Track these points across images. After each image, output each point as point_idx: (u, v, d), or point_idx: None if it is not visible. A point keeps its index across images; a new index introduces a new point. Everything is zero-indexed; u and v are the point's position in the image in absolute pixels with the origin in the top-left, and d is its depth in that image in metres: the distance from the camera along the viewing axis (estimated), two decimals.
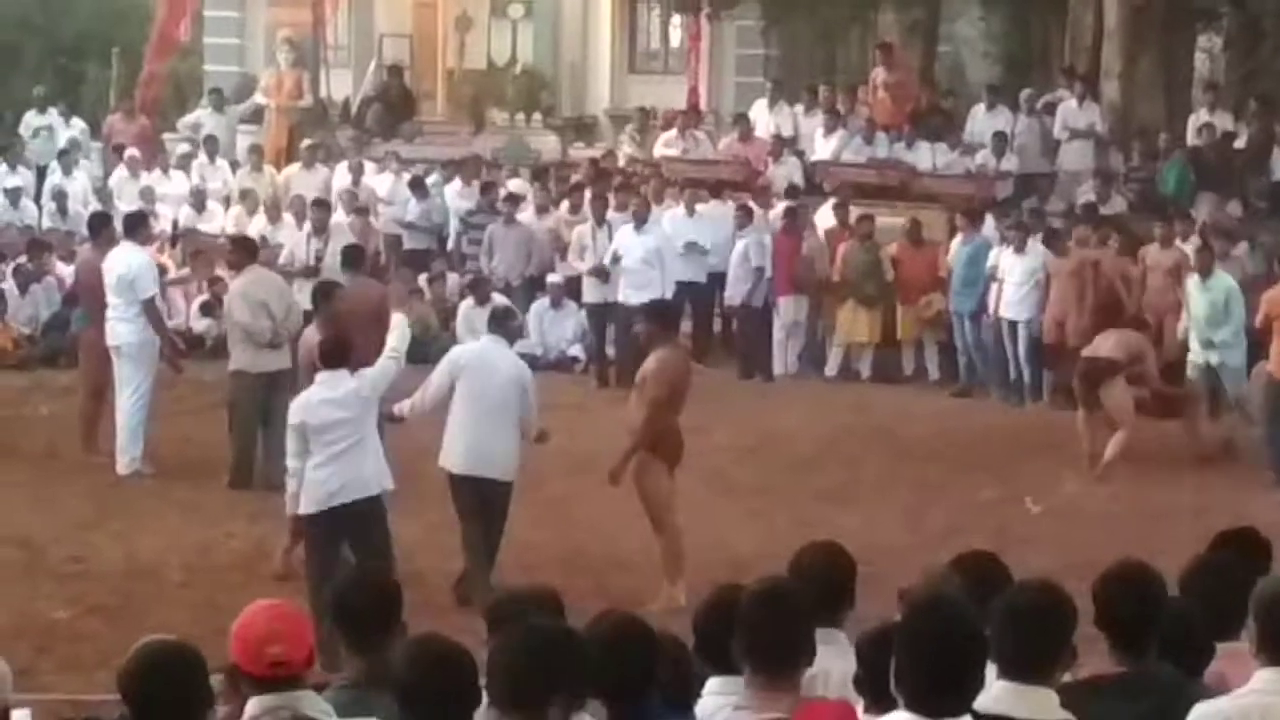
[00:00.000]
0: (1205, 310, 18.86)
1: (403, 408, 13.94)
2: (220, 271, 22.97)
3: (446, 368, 13.87)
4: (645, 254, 22.00)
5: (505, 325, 14.80)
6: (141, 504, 16.65)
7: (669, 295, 20.96)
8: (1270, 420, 17.75)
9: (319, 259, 21.80)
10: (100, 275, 18.09)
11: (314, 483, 12.74)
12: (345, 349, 13.45)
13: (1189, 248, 21.32)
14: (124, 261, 18.01)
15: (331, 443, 12.75)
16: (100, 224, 19.61)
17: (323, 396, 12.91)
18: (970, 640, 5.22)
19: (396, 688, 5.38)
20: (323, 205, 23.86)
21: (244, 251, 18.69)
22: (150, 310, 17.87)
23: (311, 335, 15.26)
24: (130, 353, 17.76)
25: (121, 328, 17.79)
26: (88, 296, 19.06)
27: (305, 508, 12.77)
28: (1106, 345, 18.37)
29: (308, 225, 23.43)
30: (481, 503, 13.67)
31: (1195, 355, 19.06)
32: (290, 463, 12.92)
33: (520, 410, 13.77)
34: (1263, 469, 17.28)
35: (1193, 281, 19.37)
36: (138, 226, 19.25)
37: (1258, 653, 5.89)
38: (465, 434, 13.60)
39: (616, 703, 6.00)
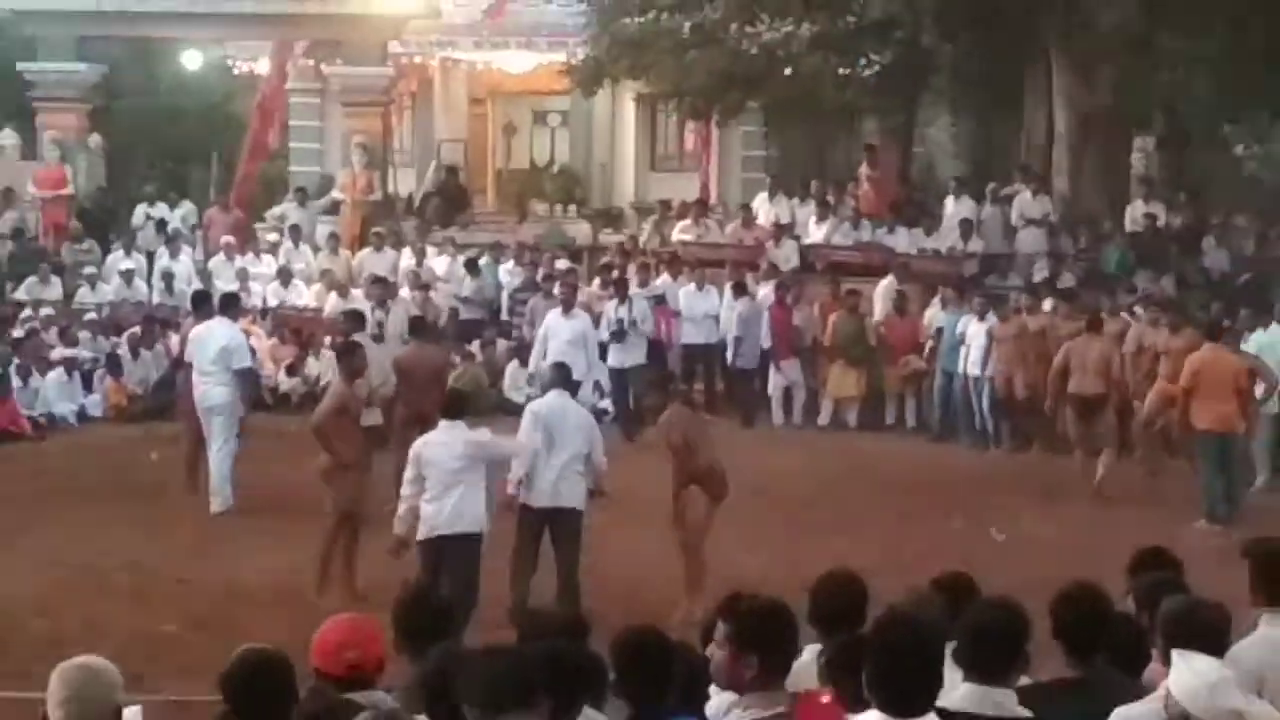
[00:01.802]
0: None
1: (512, 485, 13.72)
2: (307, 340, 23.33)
3: (531, 422, 13.83)
4: (572, 336, 21.33)
5: (568, 380, 14.84)
6: (238, 534, 16.67)
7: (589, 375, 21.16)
8: (1202, 465, 17.71)
9: (380, 327, 21.79)
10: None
11: (423, 515, 12.90)
12: (463, 404, 13.77)
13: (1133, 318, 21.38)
14: (223, 335, 18.09)
15: (441, 481, 12.92)
16: (201, 301, 19.69)
17: (439, 440, 13.13)
18: (928, 651, 5.22)
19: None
20: (383, 282, 23.85)
21: (357, 322, 18.95)
22: (247, 377, 18.00)
23: (338, 385, 15.29)
24: (221, 412, 17.85)
25: (215, 391, 17.88)
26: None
27: (418, 534, 12.92)
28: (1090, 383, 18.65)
29: (373, 301, 23.48)
30: (554, 532, 13.66)
31: None
32: (405, 489, 13.07)
33: (588, 448, 13.82)
34: (1196, 506, 17.18)
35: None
36: (232, 305, 19.37)
37: (1163, 661, 5.89)
38: (549, 473, 13.60)
39: (637, 702, 5.99)
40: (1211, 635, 5.98)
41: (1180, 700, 5.34)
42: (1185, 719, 5.32)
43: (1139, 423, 19.45)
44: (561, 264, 26.63)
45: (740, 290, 24.08)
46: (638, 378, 22.41)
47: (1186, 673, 5.40)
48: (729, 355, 24.00)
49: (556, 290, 23.27)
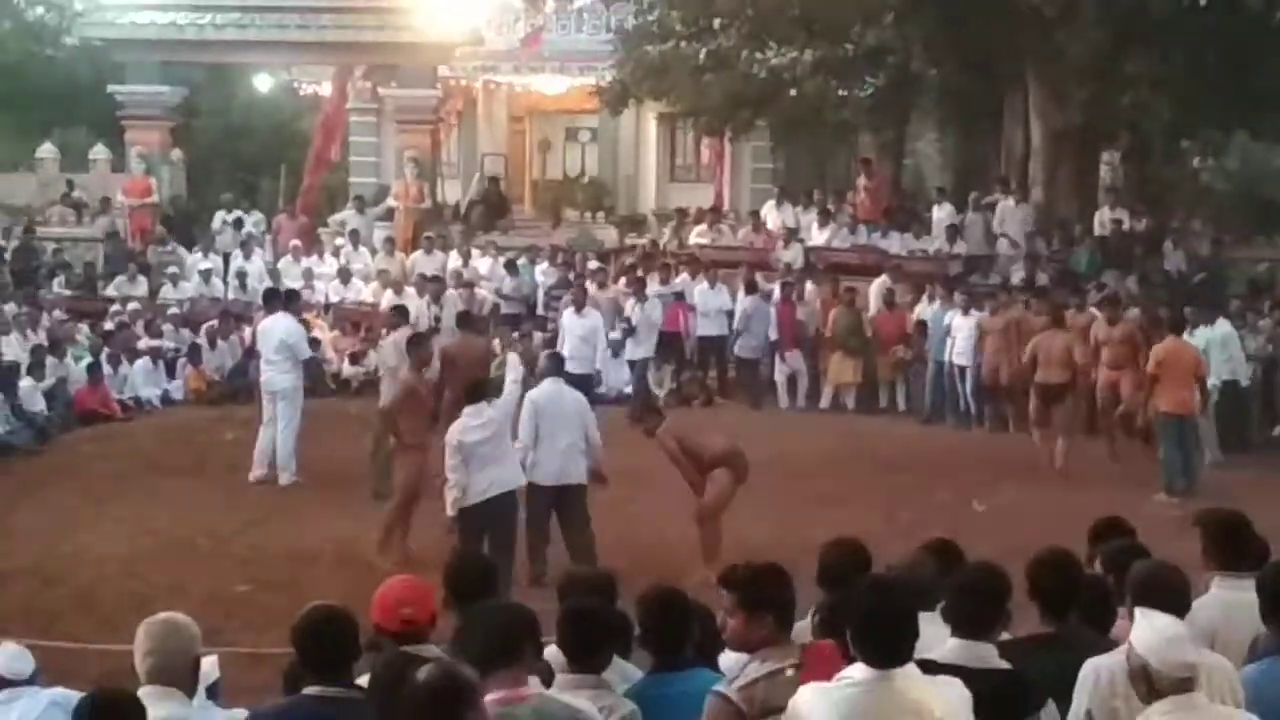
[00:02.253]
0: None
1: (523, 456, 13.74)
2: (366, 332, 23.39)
3: (530, 410, 13.80)
4: (584, 333, 21.49)
5: (561, 368, 14.90)
6: (303, 506, 16.69)
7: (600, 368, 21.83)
8: (1163, 443, 17.68)
9: (437, 320, 21.91)
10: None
11: (470, 485, 12.92)
12: (482, 389, 13.76)
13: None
14: (285, 329, 18.16)
15: (481, 456, 12.98)
16: (271, 297, 19.70)
17: (471, 424, 13.09)
18: (904, 611, 5.23)
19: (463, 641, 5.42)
20: (438, 281, 24.09)
21: (401, 316, 18.91)
22: (310, 366, 18.06)
23: (407, 373, 15.36)
24: (286, 396, 17.87)
25: (280, 378, 17.95)
26: None
27: (465, 504, 12.92)
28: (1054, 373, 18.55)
29: (427, 296, 23.58)
30: (560, 506, 13.67)
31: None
32: (450, 475, 13.00)
33: (584, 430, 13.83)
34: (1153, 481, 17.14)
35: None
36: (293, 301, 19.45)
37: (1130, 619, 5.88)
38: (554, 454, 13.61)
39: (659, 654, 6.00)
40: (1174, 596, 6.00)
41: (1140, 653, 5.34)
42: (1145, 669, 5.31)
43: (1101, 408, 19.43)
44: (591, 264, 26.63)
45: (751, 288, 24.07)
46: (644, 371, 22.96)
47: (1147, 629, 5.39)
48: (737, 345, 23.97)
49: (570, 292, 23.40)
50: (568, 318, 21.92)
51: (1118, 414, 18.88)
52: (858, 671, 5.15)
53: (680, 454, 13.69)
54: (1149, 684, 5.32)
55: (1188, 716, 5.26)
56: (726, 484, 13.63)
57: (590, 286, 24.02)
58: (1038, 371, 18.86)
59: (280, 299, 19.48)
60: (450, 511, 13.14)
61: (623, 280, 24.85)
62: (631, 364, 23.06)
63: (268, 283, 26.30)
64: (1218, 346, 19.63)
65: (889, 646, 5.14)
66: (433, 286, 23.75)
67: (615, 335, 23.10)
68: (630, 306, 23.35)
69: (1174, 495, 16.59)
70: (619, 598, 6.74)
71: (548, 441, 13.65)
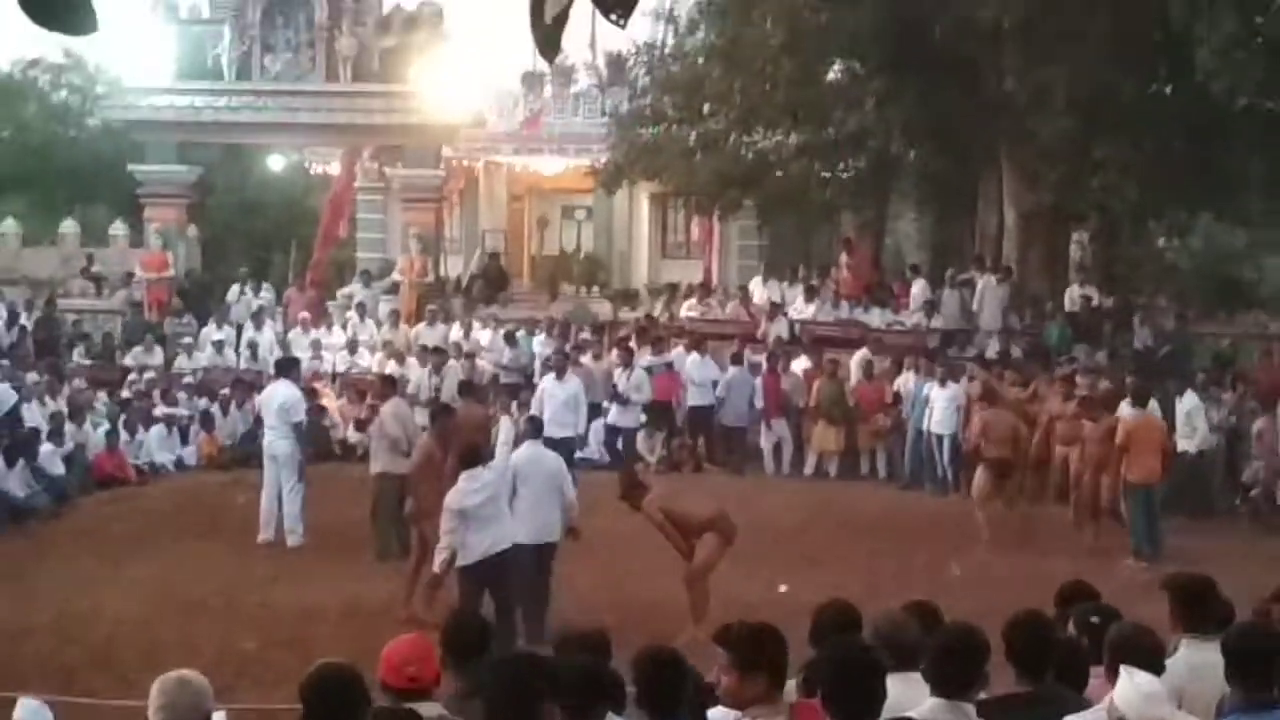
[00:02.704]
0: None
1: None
2: (371, 400, 23.22)
3: (510, 472, 13.90)
4: (565, 398, 21.13)
5: (539, 432, 15.22)
6: (310, 566, 16.63)
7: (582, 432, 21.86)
8: (1131, 511, 17.63)
9: (437, 390, 21.85)
10: None
11: (472, 544, 12.88)
12: (477, 454, 13.74)
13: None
14: (283, 395, 18.21)
15: (481, 516, 12.99)
16: (288, 366, 19.69)
17: (469, 488, 13.07)
18: (870, 672, 5.23)
19: (484, 696, 5.34)
20: (439, 352, 24.06)
21: (389, 385, 18.83)
22: (298, 431, 17.98)
23: (428, 441, 15.35)
24: (284, 460, 17.86)
25: (278, 443, 17.95)
26: None
27: (463, 561, 12.90)
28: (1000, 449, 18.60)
29: (429, 367, 23.60)
30: (535, 563, 13.67)
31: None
32: (445, 538, 13.00)
33: (560, 489, 13.90)
34: (1124, 546, 17.14)
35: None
36: (291, 369, 19.41)
37: (1109, 676, 5.88)
38: (531, 514, 13.63)
39: (655, 712, 5.96)
40: (1150, 656, 5.99)
41: (1121, 708, 5.33)
42: None
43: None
44: (585, 335, 26.64)
45: (737, 360, 24.16)
46: (631, 439, 22.94)
47: (1129, 685, 5.38)
48: (722, 414, 23.99)
49: (551, 359, 23.35)
50: (549, 383, 21.62)
51: (1073, 500, 18.81)
52: None
53: (666, 524, 13.63)
54: None
55: None
56: (714, 547, 13.56)
57: (585, 357, 24.05)
58: (986, 448, 18.86)
59: (296, 367, 19.59)
60: (436, 569, 13.20)
61: (615, 352, 24.89)
62: (617, 430, 23.06)
63: (278, 353, 26.38)
64: (1183, 418, 19.73)
65: (856, 706, 5.14)
66: (434, 358, 23.78)
67: (607, 404, 23.18)
68: (618, 376, 23.38)
69: (1141, 560, 16.59)
70: (612, 656, 6.72)
71: (528, 501, 13.69)
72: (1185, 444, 19.90)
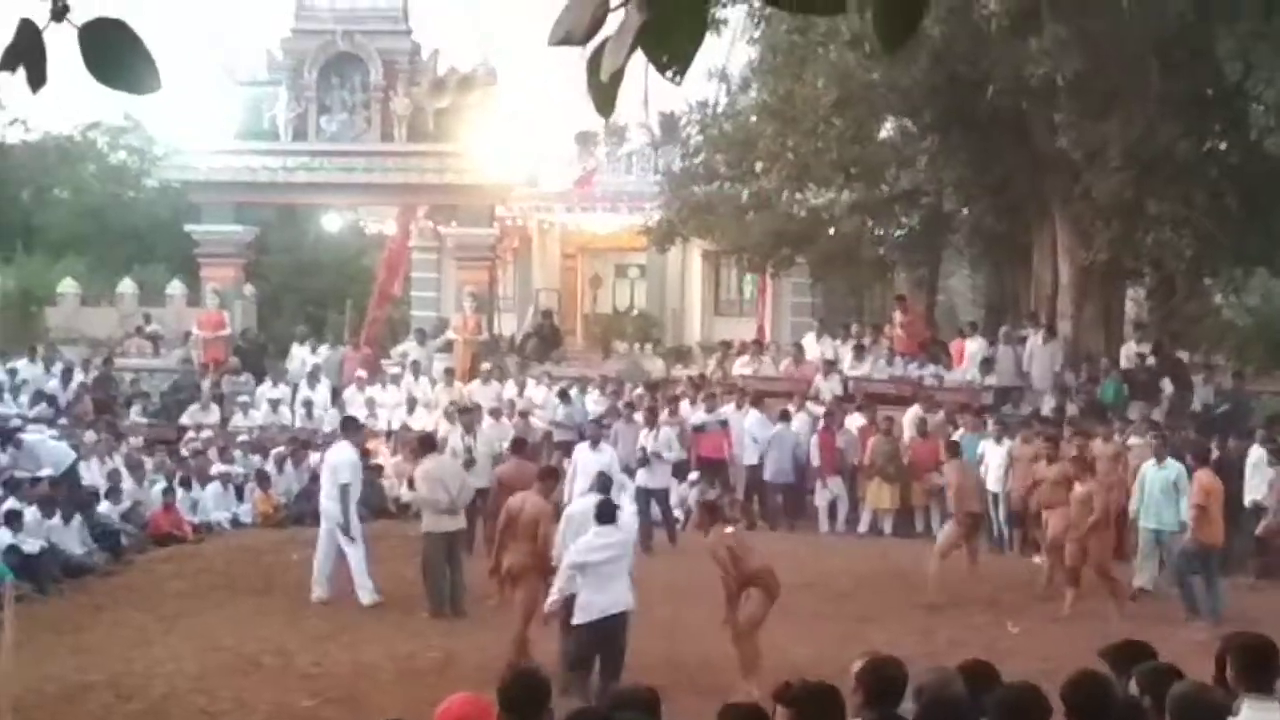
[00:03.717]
0: (1159, 488, 18.34)
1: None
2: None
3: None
4: (599, 467, 19.13)
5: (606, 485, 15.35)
6: (364, 624, 16.64)
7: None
8: (1184, 572, 17.38)
9: (469, 450, 21.34)
10: None
11: (588, 603, 12.86)
12: (613, 510, 13.72)
13: (1128, 441, 21.27)
14: (335, 456, 18.26)
15: (604, 575, 12.99)
16: (350, 426, 19.65)
17: (601, 543, 13.08)
18: None
19: None
20: (468, 411, 23.54)
21: (423, 445, 18.73)
22: (344, 493, 17.88)
23: (541, 501, 15.01)
24: (331, 520, 17.76)
25: (327, 504, 17.94)
26: None
27: (581, 619, 12.87)
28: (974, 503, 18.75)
29: (459, 426, 23.15)
30: (614, 636, 13.46)
31: (1146, 522, 18.50)
32: (560, 583, 13.11)
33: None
34: (1178, 609, 16.91)
35: (1150, 466, 18.74)
36: (352, 429, 19.33)
37: None
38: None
39: None
40: (1216, 715, 5.93)
41: None
42: None
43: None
44: (639, 393, 26.59)
45: (785, 417, 24.14)
46: (665, 499, 22.43)
47: None
48: (764, 471, 23.98)
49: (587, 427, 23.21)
50: (582, 453, 20.85)
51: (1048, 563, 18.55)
52: None
53: (728, 561, 13.57)
54: None
55: None
56: (760, 602, 13.52)
57: (637, 415, 23.94)
58: (965, 503, 18.76)
59: (357, 426, 19.62)
60: (548, 608, 13.34)
61: (667, 411, 24.85)
62: (648, 493, 22.21)
63: (333, 411, 26.54)
64: (1250, 469, 19.57)
65: None
66: (464, 418, 23.24)
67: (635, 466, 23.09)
68: (644, 437, 23.11)
69: (1199, 620, 16.30)
70: (660, 715, 6.71)
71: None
72: (1254, 495, 19.74)
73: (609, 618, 12.94)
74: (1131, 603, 17.43)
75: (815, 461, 23.70)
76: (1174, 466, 18.47)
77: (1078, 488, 18.06)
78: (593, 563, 12.95)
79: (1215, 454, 21.05)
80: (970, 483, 18.93)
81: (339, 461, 18.11)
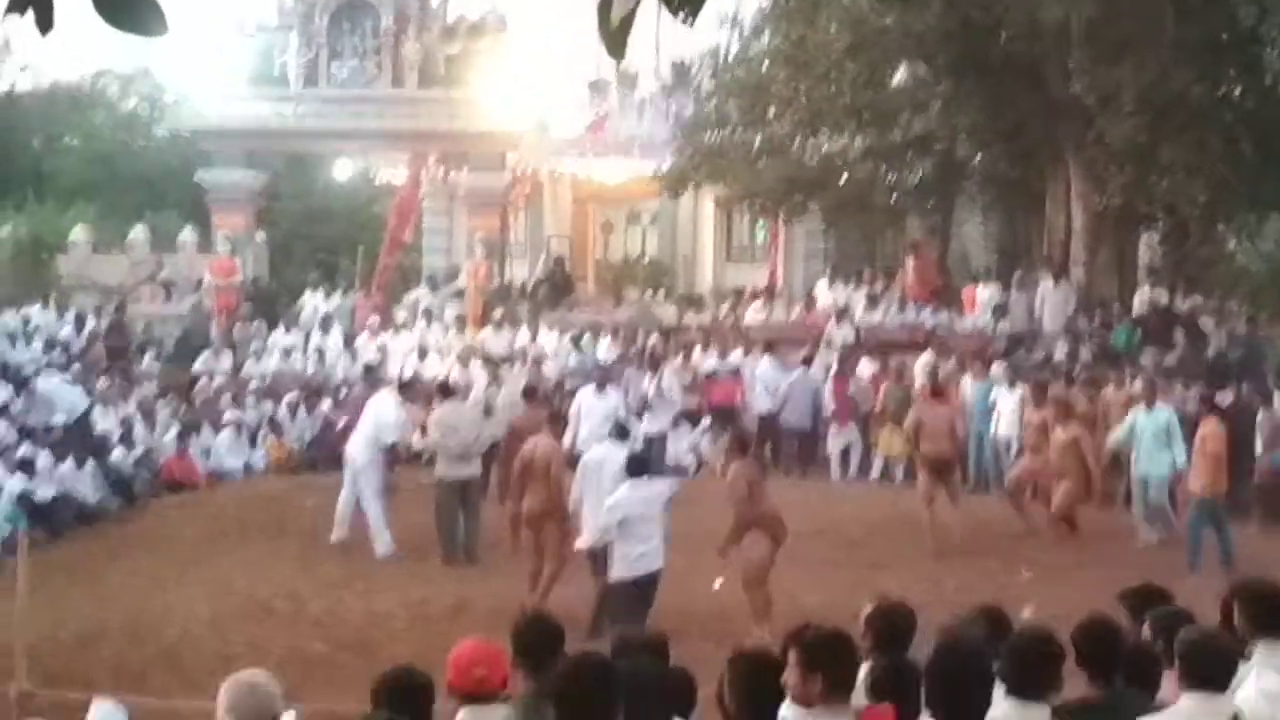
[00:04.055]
0: (1150, 433, 18.20)
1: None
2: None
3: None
4: (606, 412, 19.59)
5: (624, 435, 15.24)
6: (377, 571, 16.72)
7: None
8: (1192, 524, 17.26)
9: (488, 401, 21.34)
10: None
11: (627, 557, 12.87)
12: (646, 464, 13.92)
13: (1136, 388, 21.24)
14: (384, 412, 18.09)
15: (641, 530, 13.00)
16: (407, 386, 19.48)
17: (639, 496, 13.03)
18: (981, 674, 5.18)
19: (554, 694, 5.28)
20: (494, 361, 23.68)
21: (442, 392, 18.50)
22: (386, 453, 17.84)
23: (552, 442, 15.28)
24: (361, 470, 17.84)
25: (359, 454, 17.94)
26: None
27: (619, 574, 12.88)
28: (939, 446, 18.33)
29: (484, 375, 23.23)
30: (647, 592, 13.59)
31: (1138, 469, 18.39)
32: (599, 535, 13.10)
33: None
34: (1182, 558, 16.72)
35: (1140, 411, 18.61)
36: (408, 389, 19.22)
37: (1180, 682, 5.83)
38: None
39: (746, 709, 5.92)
40: (1224, 660, 5.94)
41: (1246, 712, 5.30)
42: None
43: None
44: (654, 341, 26.57)
45: (806, 362, 24.13)
46: (663, 443, 22.48)
47: (1254, 687, 5.36)
48: (786, 416, 23.92)
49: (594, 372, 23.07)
50: (587, 396, 20.76)
51: (1057, 515, 18.49)
52: None
53: (744, 494, 13.58)
54: None
55: None
56: (763, 545, 13.53)
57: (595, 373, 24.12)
58: (922, 444, 18.59)
59: (374, 374, 19.48)
60: (581, 545, 13.61)
61: (680, 357, 24.82)
62: (649, 438, 22.29)
63: (346, 358, 26.55)
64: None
65: (964, 710, 5.09)
66: (490, 367, 23.06)
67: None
68: (647, 383, 23.11)
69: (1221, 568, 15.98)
70: (669, 659, 6.72)
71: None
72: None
73: (648, 574, 13.00)
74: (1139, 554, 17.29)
75: (830, 408, 23.65)
76: (1164, 412, 18.29)
77: (1058, 432, 18.06)
78: (631, 516, 12.92)
79: (1230, 400, 21.13)
80: (937, 424, 18.67)
81: (385, 420, 17.97)
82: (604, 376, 21.69)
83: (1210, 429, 17.47)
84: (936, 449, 18.48)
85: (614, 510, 12.99)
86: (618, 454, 14.22)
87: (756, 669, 5.94)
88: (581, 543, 13.55)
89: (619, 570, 12.92)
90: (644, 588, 12.96)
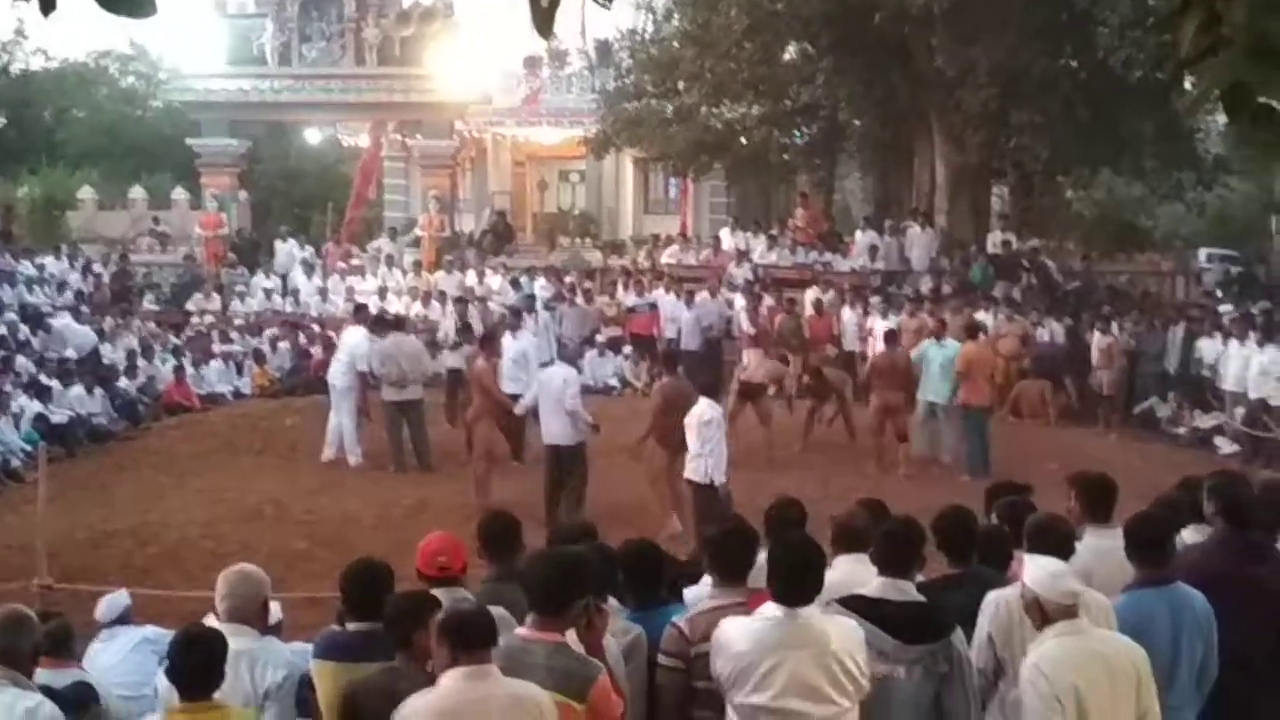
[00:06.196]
0: (939, 363, 17.51)
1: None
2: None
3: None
4: (515, 355, 17.56)
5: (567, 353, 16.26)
6: (349, 479, 16.73)
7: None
8: (965, 435, 17.11)
9: (459, 334, 21.03)
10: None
11: (719, 462, 12.65)
12: (717, 386, 14.14)
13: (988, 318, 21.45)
14: (359, 342, 17.69)
15: (545, 405, 14.03)
16: (385, 323, 19.06)
17: (713, 414, 12.71)
18: (809, 561, 5.21)
19: (524, 580, 5.26)
20: (461, 301, 23.41)
21: (383, 324, 17.95)
22: (362, 379, 17.56)
23: (483, 364, 15.73)
24: (341, 393, 17.75)
25: (340, 378, 17.81)
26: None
27: (717, 478, 12.62)
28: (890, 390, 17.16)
29: (453, 314, 22.94)
30: (558, 462, 13.93)
31: (924, 395, 17.55)
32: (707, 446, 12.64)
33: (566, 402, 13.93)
34: (959, 471, 16.64)
35: (929, 343, 18.00)
36: (380, 325, 18.08)
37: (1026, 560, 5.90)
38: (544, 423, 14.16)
39: (637, 595, 5.96)
40: (1062, 540, 6.02)
41: (1031, 587, 5.35)
42: (1036, 601, 5.32)
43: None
44: (578, 279, 26.45)
45: (714, 293, 24.19)
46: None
47: (1036, 568, 5.41)
48: (685, 342, 23.30)
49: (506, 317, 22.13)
50: (506, 339, 18.33)
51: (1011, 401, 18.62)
52: (770, 609, 5.15)
53: (661, 410, 13.61)
54: (1041, 613, 5.33)
55: (1074, 638, 5.27)
56: (665, 459, 13.70)
57: (578, 298, 24.16)
58: (876, 388, 17.51)
59: (364, 313, 19.19)
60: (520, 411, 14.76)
61: (604, 296, 24.75)
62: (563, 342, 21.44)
63: (318, 299, 26.35)
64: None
65: (796, 590, 5.13)
66: (459, 306, 22.65)
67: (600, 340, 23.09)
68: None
69: (975, 477, 15.43)
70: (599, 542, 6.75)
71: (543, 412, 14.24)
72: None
73: (550, 445, 13.98)
74: (914, 464, 17.03)
75: (748, 331, 23.18)
76: (953, 345, 17.69)
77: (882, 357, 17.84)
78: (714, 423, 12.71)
79: (1069, 323, 21.37)
80: (890, 368, 17.51)
81: (358, 349, 17.61)
82: (515, 322, 20.66)
83: (967, 351, 17.29)
84: (750, 375, 18.22)
85: (714, 424, 12.72)
86: (563, 371, 14.37)
87: (644, 557, 6.02)
88: (519, 409, 14.69)
89: (718, 474, 12.63)
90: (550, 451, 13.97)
